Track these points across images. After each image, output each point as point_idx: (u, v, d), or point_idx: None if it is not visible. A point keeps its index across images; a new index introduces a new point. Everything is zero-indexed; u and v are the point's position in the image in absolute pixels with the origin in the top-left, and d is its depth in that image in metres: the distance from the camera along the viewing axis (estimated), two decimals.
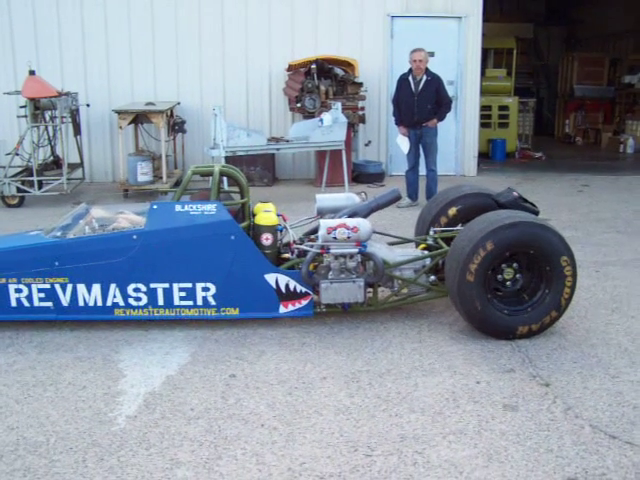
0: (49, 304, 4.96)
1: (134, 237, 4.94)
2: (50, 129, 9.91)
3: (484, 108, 13.57)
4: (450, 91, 10.43)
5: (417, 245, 5.69)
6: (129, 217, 5.31)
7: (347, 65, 11.09)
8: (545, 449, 3.54)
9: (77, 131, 10.20)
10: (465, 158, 11.99)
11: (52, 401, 4.06)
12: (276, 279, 5.02)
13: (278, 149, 9.94)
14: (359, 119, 10.97)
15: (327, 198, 5.67)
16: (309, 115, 10.61)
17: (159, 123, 9.91)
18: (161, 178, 10.01)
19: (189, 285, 4.98)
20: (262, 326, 5.16)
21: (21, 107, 9.66)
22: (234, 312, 5.06)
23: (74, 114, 10.06)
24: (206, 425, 3.78)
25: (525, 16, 19.49)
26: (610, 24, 18.02)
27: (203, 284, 4.98)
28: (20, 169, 9.75)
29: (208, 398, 4.08)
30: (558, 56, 19.30)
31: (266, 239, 5.13)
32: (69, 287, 4.93)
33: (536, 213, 5.30)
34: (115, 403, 4.04)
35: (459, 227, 5.58)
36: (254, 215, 5.30)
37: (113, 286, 4.94)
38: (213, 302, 5.01)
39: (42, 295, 4.94)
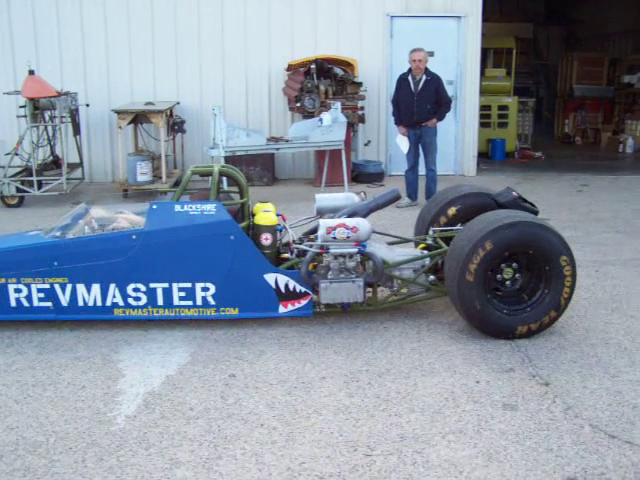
0: (48, 304, 4.96)
1: (133, 237, 4.94)
2: (49, 129, 9.91)
3: (483, 108, 13.57)
4: (449, 91, 10.43)
5: (416, 245, 5.70)
6: (128, 217, 5.31)
7: (346, 65, 11.09)
8: (545, 448, 3.54)
9: (76, 131, 10.19)
10: (464, 158, 11.99)
11: (51, 401, 4.06)
12: (275, 279, 5.03)
13: (277, 149, 9.94)
14: (358, 119, 10.98)
15: (326, 198, 5.67)
16: (309, 115, 10.61)
17: (158, 123, 9.90)
18: (160, 178, 10.01)
19: (188, 285, 4.98)
20: (261, 326, 5.16)
21: (20, 107, 9.66)
22: (233, 312, 5.06)
23: (73, 114, 10.06)
24: (205, 425, 3.78)
25: (525, 16, 19.51)
26: (609, 24, 18.04)
27: (202, 284, 4.98)
28: (19, 169, 9.75)
29: (207, 398, 4.08)
30: (557, 56, 19.31)
31: (265, 239, 5.13)
32: (68, 287, 4.93)
33: (535, 213, 5.30)
34: (114, 403, 4.04)
35: (458, 227, 5.58)
36: (253, 215, 5.30)
37: (112, 286, 4.94)
38: (212, 302, 5.01)
39: (41, 295, 4.94)
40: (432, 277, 5.29)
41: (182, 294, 4.99)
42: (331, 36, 11.42)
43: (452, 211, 5.71)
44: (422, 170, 9.46)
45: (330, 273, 5.01)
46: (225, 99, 11.34)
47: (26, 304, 4.95)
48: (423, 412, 3.91)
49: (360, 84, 11.10)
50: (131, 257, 4.92)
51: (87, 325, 5.13)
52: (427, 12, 11.55)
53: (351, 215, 5.29)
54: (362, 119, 11.09)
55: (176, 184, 9.63)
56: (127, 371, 4.45)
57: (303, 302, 5.09)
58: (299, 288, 5.05)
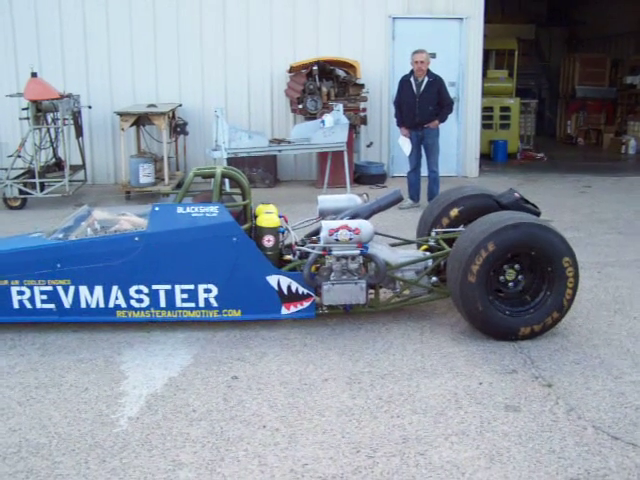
0: (51, 306, 4.96)
1: (136, 239, 4.95)
2: (52, 131, 9.93)
3: (486, 109, 13.58)
4: (452, 92, 10.44)
5: (419, 246, 5.69)
6: (131, 219, 5.32)
7: (349, 66, 11.10)
8: (547, 450, 3.54)
9: (79, 133, 10.21)
10: (467, 159, 11.99)
11: (54, 403, 4.06)
12: (278, 281, 5.03)
13: (280, 151, 9.93)
14: (361, 120, 10.98)
15: (329, 199, 5.67)
16: (311, 116, 10.62)
17: (161, 125, 9.92)
18: (163, 180, 10.02)
19: (191, 287, 4.98)
20: (264, 328, 5.16)
21: (23, 109, 9.68)
22: (236, 314, 5.06)
23: (76, 116, 10.07)
24: (208, 426, 3.78)
25: (527, 17, 19.50)
26: (612, 25, 18.02)
27: (205, 286, 4.98)
28: (22, 171, 9.77)
29: (210, 400, 4.09)
30: (560, 57, 19.30)
31: (268, 241, 5.13)
32: (71, 289, 4.93)
33: (538, 214, 5.30)
34: (117, 405, 4.04)
35: (461, 228, 5.58)
36: (256, 217, 5.30)
37: (115, 288, 4.95)
38: (215, 304, 5.01)
39: (44, 297, 4.94)
40: (434, 279, 5.28)
41: (184, 296, 4.99)
42: (333, 38, 11.43)
43: (454, 212, 5.71)
44: (424, 171, 9.46)
45: (332, 275, 5.01)
46: (227, 101, 11.35)
47: (29, 306, 4.96)
48: (425, 414, 3.91)
49: (362, 86, 11.11)
50: (133, 259, 4.92)
51: (90, 327, 5.13)
52: (429, 14, 11.56)
53: (353, 217, 5.29)
54: (364, 121, 11.10)
55: (178, 186, 9.64)
56: (130, 373, 4.46)
57: (305, 304, 5.09)
58: (301, 290, 5.05)
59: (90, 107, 10.78)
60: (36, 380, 4.35)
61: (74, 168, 10.13)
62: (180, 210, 5.00)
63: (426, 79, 9.14)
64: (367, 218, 5.31)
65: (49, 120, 9.79)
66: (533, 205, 5.45)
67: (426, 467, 3.40)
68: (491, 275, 4.80)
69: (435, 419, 3.85)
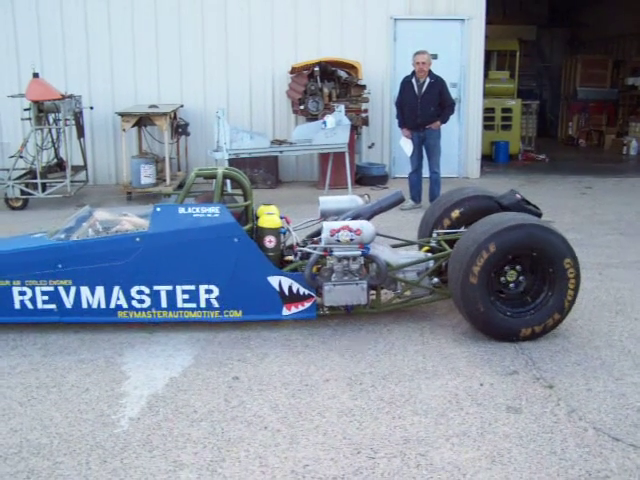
0: (53, 306, 4.97)
1: (137, 239, 4.95)
2: (54, 132, 9.93)
3: (487, 110, 13.57)
4: (453, 93, 10.44)
5: (420, 247, 5.69)
6: (132, 219, 5.32)
7: (350, 67, 11.10)
8: (548, 451, 3.53)
9: (81, 134, 10.22)
10: (468, 160, 11.99)
11: (55, 403, 4.06)
12: (279, 281, 5.03)
13: (281, 151, 9.94)
14: (362, 121, 10.98)
15: (330, 200, 5.68)
16: (312, 117, 10.61)
17: (162, 126, 9.92)
18: (164, 181, 10.03)
19: (192, 287, 4.98)
20: (265, 328, 5.16)
21: (25, 110, 9.69)
22: (237, 314, 5.06)
23: (77, 117, 10.08)
24: (209, 427, 3.79)
25: (528, 18, 19.49)
26: (613, 26, 18.01)
27: (206, 286, 4.99)
28: (24, 172, 9.79)
29: (211, 400, 4.09)
30: (561, 58, 19.30)
31: (269, 241, 5.13)
32: (72, 289, 4.94)
33: (539, 215, 5.30)
34: (118, 405, 4.04)
35: (462, 229, 5.59)
36: (257, 217, 5.31)
37: (116, 288, 4.95)
38: (216, 304, 5.02)
39: (46, 297, 4.95)
40: (436, 280, 5.28)
41: (186, 297, 4.99)
42: (335, 39, 11.43)
43: (456, 214, 5.70)
44: (426, 172, 9.46)
45: (334, 275, 5.01)
46: (229, 102, 11.36)
47: (30, 306, 4.96)
48: (427, 415, 3.91)
49: (364, 87, 11.11)
50: (135, 260, 4.92)
51: (91, 327, 5.13)
52: (431, 15, 11.56)
53: (355, 217, 5.29)
54: (366, 122, 11.10)
55: (180, 187, 9.64)
56: (131, 373, 4.46)
57: (307, 304, 5.09)
58: (303, 290, 5.05)
59: (92, 108, 10.79)
60: (37, 380, 4.35)
61: (76, 169, 10.14)
62: (181, 211, 5.00)
63: (428, 80, 9.14)
64: (368, 219, 5.31)
65: (51, 121, 9.80)
66: (534, 206, 5.45)
67: (427, 468, 3.40)
68: (492, 276, 4.80)
69: (436, 420, 3.85)
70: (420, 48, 9.32)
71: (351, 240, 4.94)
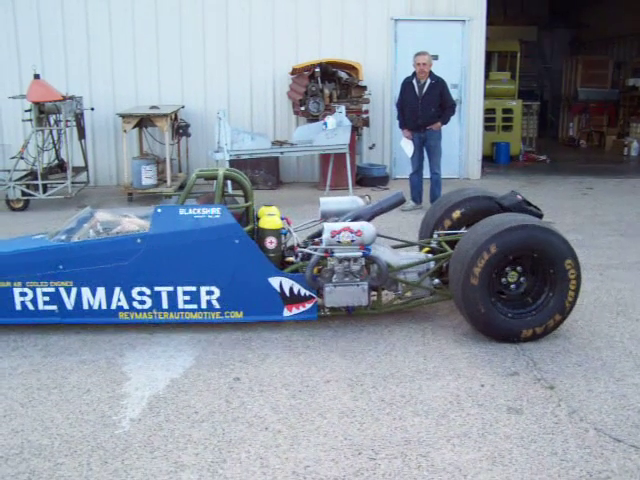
0: (54, 307, 4.97)
1: (138, 241, 4.95)
2: (55, 133, 9.94)
3: (488, 111, 13.58)
4: (454, 94, 10.45)
5: (421, 248, 5.69)
6: (133, 221, 5.32)
7: (351, 68, 11.10)
8: (549, 452, 3.53)
9: (81, 135, 10.23)
10: (469, 161, 11.99)
11: (56, 404, 4.06)
12: (280, 282, 5.03)
13: (282, 152, 9.95)
14: (363, 122, 10.98)
15: (331, 201, 5.68)
16: (313, 118, 10.62)
17: (163, 127, 9.93)
18: (165, 182, 10.03)
19: (193, 288, 4.99)
20: (266, 329, 5.16)
21: (26, 111, 9.70)
22: (238, 315, 5.06)
23: (78, 118, 10.09)
24: (210, 428, 3.79)
25: (529, 19, 19.50)
26: (614, 27, 18.01)
27: (207, 287, 4.99)
28: (25, 173, 9.79)
29: (212, 401, 4.09)
30: (562, 59, 19.30)
31: (270, 242, 5.13)
32: (73, 290, 4.94)
33: (540, 216, 5.29)
34: (119, 406, 4.04)
35: (463, 230, 5.59)
36: (258, 219, 5.31)
37: (117, 289, 4.95)
38: (217, 305, 5.02)
39: (47, 299, 4.95)
40: (437, 281, 5.29)
41: (187, 298, 4.99)
42: (335, 39, 11.44)
43: (457, 214, 5.70)
44: (427, 173, 9.46)
45: (335, 277, 5.01)
46: (230, 103, 11.36)
47: (31, 307, 4.97)
48: (427, 416, 3.91)
49: (364, 88, 11.11)
50: (136, 261, 4.93)
51: (92, 328, 5.14)
52: (431, 15, 11.56)
53: (356, 219, 5.29)
54: (366, 122, 11.10)
55: (181, 188, 9.65)
56: (132, 374, 4.46)
57: (308, 306, 5.09)
58: (304, 292, 5.05)
59: (93, 109, 10.79)
60: (38, 381, 4.36)
61: (76, 170, 10.15)
62: (182, 212, 5.00)
63: (428, 81, 9.15)
64: (369, 220, 5.31)
65: (52, 122, 9.81)
66: (535, 207, 5.45)
67: (428, 469, 3.40)
68: (493, 277, 4.80)
69: (437, 421, 3.85)
70: (421, 49, 9.32)
71: (352, 241, 4.94)
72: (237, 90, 11.49)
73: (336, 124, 9.67)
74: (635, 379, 4.33)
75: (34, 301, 4.95)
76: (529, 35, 18.66)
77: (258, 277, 5.01)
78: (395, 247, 5.79)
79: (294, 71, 11.09)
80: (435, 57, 10.07)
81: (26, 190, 9.47)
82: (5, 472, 3.39)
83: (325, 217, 5.54)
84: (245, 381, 4.34)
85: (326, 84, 10.85)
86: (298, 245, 5.29)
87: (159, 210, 5.03)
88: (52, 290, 4.93)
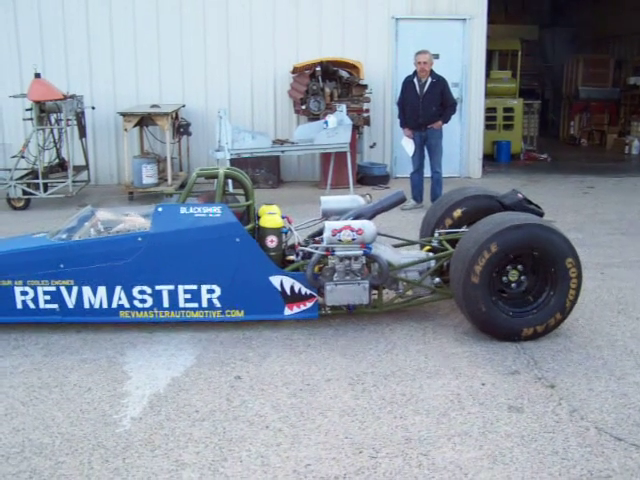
0: (55, 306, 4.97)
1: (139, 239, 4.95)
2: (55, 132, 9.94)
3: (489, 110, 13.56)
4: (455, 93, 10.44)
5: (422, 247, 5.69)
6: (134, 219, 5.33)
7: (352, 67, 11.10)
8: (550, 451, 3.53)
9: (82, 134, 10.23)
10: (470, 160, 11.98)
11: (57, 403, 4.07)
12: (281, 281, 5.03)
13: (283, 151, 9.95)
14: (364, 121, 10.98)
15: (332, 200, 5.68)
16: (314, 117, 10.62)
17: (164, 125, 9.92)
18: (166, 180, 10.03)
19: (194, 287, 4.99)
20: (267, 328, 5.16)
21: (27, 110, 9.69)
22: (239, 314, 5.06)
23: (79, 117, 10.09)
24: (211, 427, 3.79)
25: (530, 18, 19.48)
26: (615, 25, 17.99)
27: (208, 286, 4.99)
28: (26, 172, 9.79)
29: (213, 400, 4.09)
30: (563, 58, 19.27)
31: (271, 241, 5.13)
32: (74, 289, 4.94)
33: (541, 215, 5.30)
34: (120, 405, 4.05)
35: (464, 229, 5.58)
36: (259, 217, 5.31)
37: (118, 288, 4.95)
38: (218, 304, 5.02)
39: (48, 297, 4.95)
40: (437, 279, 5.28)
41: (188, 296, 5.00)
42: (336, 38, 11.43)
43: (457, 213, 5.70)
44: (427, 172, 9.46)
45: (335, 275, 5.01)
46: (230, 101, 11.36)
47: (32, 306, 4.97)
48: (428, 414, 3.91)
49: (365, 86, 11.11)
50: (137, 259, 4.93)
51: (93, 327, 5.14)
52: (432, 14, 11.55)
53: (356, 217, 5.30)
54: (367, 121, 11.10)
55: (182, 187, 9.64)
56: (133, 373, 4.46)
57: (308, 304, 5.09)
58: (304, 290, 5.05)
59: (93, 108, 10.79)
60: (39, 380, 4.36)
61: (77, 169, 10.14)
62: (183, 210, 5.01)
63: (429, 80, 9.15)
64: (370, 219, 5.31)
65: (52, 121, 9.81)
66: (536, 206, 5.45)
67: (429, 468, 3.40)
68: (494, 276, 4.80)
69: (438, 420, 3.85)
70: (422, 48, 9.32)
71: (353, 240, 4.94)
72: (238, 89, 11.49)
73: (337, 123, 9.67)
74: (636, 378, 4.33)
75: (35, 300, 4.95)
76: (530, 34, 18.63)
77: (259, 276, 5.01)
78: (396, 246, 5.78)
79: (295, 70, 11.08)
80: (436, 56, 10.07)
81: (27, 189, 9.47)
82: (6, 470, 3.39)
83: (326, 216, 5.54)
84: (246, 380, 4.35)
85: (327, 83, 10.85)
86: (299, 244, 5.29)
87: (160, 209, 5.03)
88: (53, 289, 4.93)
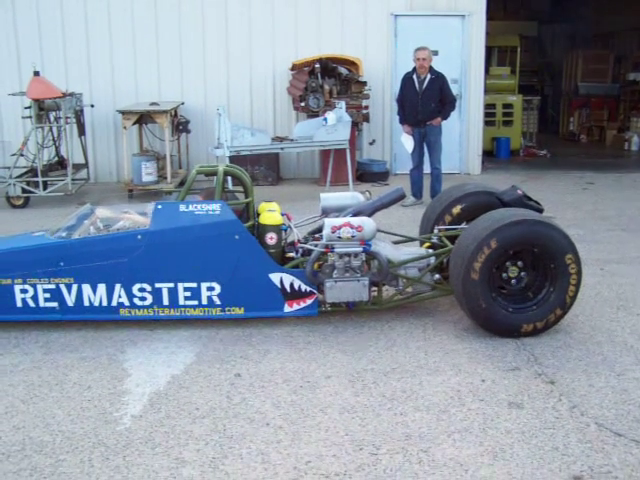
0: (54, 304, 4.97)
1: (139, 237, 4.95)
2: (55, 130, 9.93)
3: (488, 106, 13.56)
4: (454, 89, 10.44)
5: (421, 244, 5.69)
6: (134, 217, 5.32)
7: (351, 64, 11.09)
8: (550, 447, 3.54)
9: (81, 131, 10.23)
10: (469, 156, 11.98)
11: (58, 401, 4.07)
12: (281, 278, 5.03)
13: (282, 148, 9.95)
14: (363, 118, 10.97)
15: (331, 197, 5.68)
16: (313, 114, 10.61)
17: (163, 123, 9.92)
18: (165, 178, 10.03)
19: (194, 285, 4.99)
20: (267, 325, 5.16)
21: (26, 108, 9.68)
22: (239, 311, 5.06)
23: (78, 115, 10.09)
24: (211, 424, 3.79)
25: (529, 14, 19.47)
26: (614, 21, 17.97)
27: (208, 284, 4.99)
28: (25, 170, 9.78)
29: (213, 397, 4.09)
30: (562, 54, 19.27)
31: (270, 238, 5.13)
32: (74, 287, 4.94)
33: (540, 211, 5.29)
34: (120, 403, 4.05)
35: (463, 225, 5.58)
36: (258, 214, 5.31)
37: (118, 286, 4.95)
38: (218, 301, 5.02)
39: (47, 295, 4.95)
40: (437, 276, 5.28)
41: (187, 294, 4.99)
42: (335, 35, 11.42)
43: (457, 210, 5.70)
44: (427, 169, 9.46)
45: (335, 272, 5.01)
46: (229, 99, 11.35)
47: (32, 304, 4.96)
48: (429, 411, 3.91)
49: (364, 83, 11.10)
50: (136, 257, 4.93)
51: (93, 325, 5.14)
52: (431, 11, 11.54)
53: (356, 214, 5.29)
54: (367, 118, 11.09)
55: (181, 184, 9.63)
56: (133, 371, 4.46)
57: (308, 301, 5.09)
58: (304, 287, 5.05)
59: (92, 105, 10.78)
60: (39, 378, 4.36)
61: (77, 167, 10.15)
62: (183, 208, 5.00)
63: (428, 76, 9.14)
64: (370, 216, 5.30)
65: (52, 119, 9.80)
66: (536, 202, 5.45)
67: (429, 464, 3.40)
68: (494, 272, 4.80)
69: (438, 416, 3.85)
70: (421, 44, 9.31)
71: (352, 237, 4.93)
72: (237, 86, 11.48)
73: (336, 120, 9.67)
74: (636, 373, 4.33)
75: (35, 298, 4.95)
76: (529, 30, 18.62)
77: (259, 273, 5.01)
78: (396, 242, 5.78)
79: (294, 67, 11.08)
80: (435, 52, 10.06)
81: (26, 187, 9.47)
82: (7, 469, 3.40)
83: (325, 213, 5.54)
84: (246, 377, 4.35)
85: (326, 80, 10.84)
86: (299, 241, 5.28)
87: (159, 206, 5.03)
88: (53, 287, 4.93)
